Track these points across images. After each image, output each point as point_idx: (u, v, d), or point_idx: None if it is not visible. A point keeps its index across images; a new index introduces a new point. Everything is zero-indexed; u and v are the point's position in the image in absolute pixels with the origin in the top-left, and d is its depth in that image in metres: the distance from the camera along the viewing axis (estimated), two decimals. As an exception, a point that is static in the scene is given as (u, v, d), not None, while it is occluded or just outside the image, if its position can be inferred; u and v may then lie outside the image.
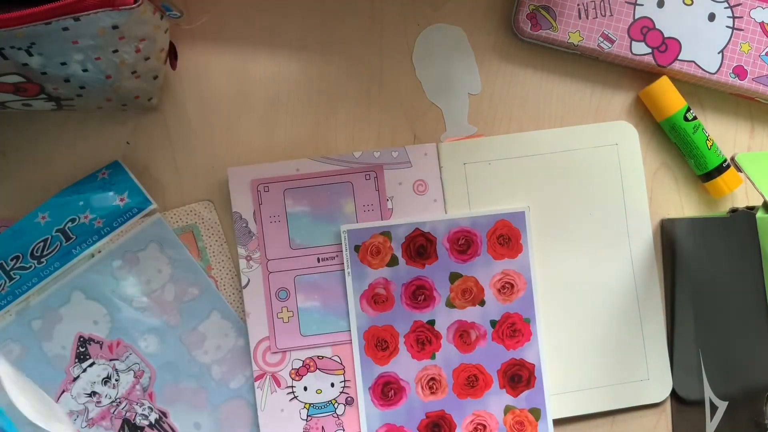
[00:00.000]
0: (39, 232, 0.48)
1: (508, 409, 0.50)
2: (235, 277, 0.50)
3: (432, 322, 0.50)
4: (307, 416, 0.50)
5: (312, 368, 0.50)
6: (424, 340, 0.50)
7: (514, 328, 0.50)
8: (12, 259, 0.48)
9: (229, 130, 0.51)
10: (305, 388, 0.50)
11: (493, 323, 0.50)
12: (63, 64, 0.40)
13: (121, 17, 0.38)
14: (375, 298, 0.50)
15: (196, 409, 0.50)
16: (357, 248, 0.49)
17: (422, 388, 0.50)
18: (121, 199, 0.49)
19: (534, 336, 0.50)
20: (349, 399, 0.50)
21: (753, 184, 0.42)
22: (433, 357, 0.50)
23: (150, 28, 0.41)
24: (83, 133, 0.51)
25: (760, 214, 0.40)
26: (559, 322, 0.51)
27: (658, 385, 0.51)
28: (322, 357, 0.50)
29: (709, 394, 0.47)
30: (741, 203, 0.53)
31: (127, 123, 0.51)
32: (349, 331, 0.50)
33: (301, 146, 0.51)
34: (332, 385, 0.50)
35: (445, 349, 0.50)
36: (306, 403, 0.50)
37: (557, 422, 0.51)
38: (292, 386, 0.50)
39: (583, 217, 0.51)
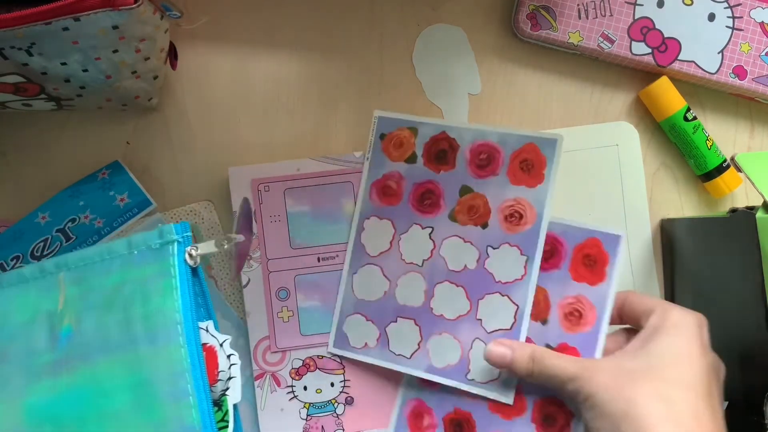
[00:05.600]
0: (39, 232, 0.48)
1: (475, 342, 0.46)
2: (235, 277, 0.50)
3: (431, 230, 0.48)
4: (307, 416, 0.50)
5: (312, 368, 0.50)
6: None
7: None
8: (12, 259, 0.48)
9: (229, 130, 0.51)
10: (305, 388, 0.50)
11: (489, 250, 0.47)
12: (63, 64, 0.40)
13: (121, 17, 0.38)
14: (385, 190, 0.49)
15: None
16: (383, 136, 0.49)
17: (400, 288, 0.48)
18: (121, 199, 0.49)
19: (528, 276, 0.45)
20: (348, 399, 0.50)
21: (753, 184, 0.42)
22: (421, 264, 0.48)
23: (150, 28, 0.41)
24: (83, 133, 0.51)
25: (760, 214, 0.40)
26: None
27: (658, 385, 0.51)
28: (322, 356, 0.50)
29: (708, 394, 0.47)
30: (741, 203, 0.53)
31: (127, 123, 0.51)
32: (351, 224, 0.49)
33: (301, 146, 0.51)
34: (332, 384, 0.50)
35: (435, 260, 0.48)
36: (306, 403, 0.50)
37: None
38: (292, 386, 0.50)
39: (583, 217, 0.51)
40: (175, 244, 0.37)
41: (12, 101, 0.44)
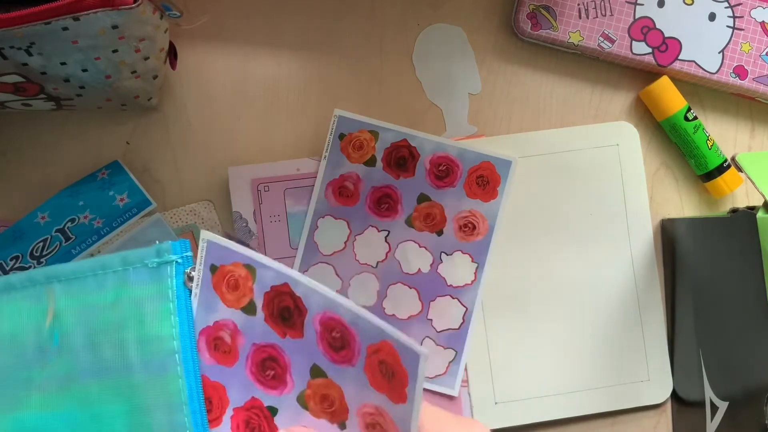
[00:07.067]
0: (39, 232, 0.48)
1: (425, 340, 0.50)
2: (235, 277, 0.50)
3: (387, 233, 0.50)
4: (307, 416, 0.50)
5: (312, 368, 0.50)
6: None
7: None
8: (12, 259, 0.48)
9: (229, 130, 0.51)
10: (305, 388, 0.50)
11: (442, 256, 0.50)
12: (63, 64, 0.40)
13: (120, 17, 0.38)
14: (341, 191, 0.50)
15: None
16: (342, 137, 0.49)
17: (352, 288, 0.50)
18: (121, 199, 0.49)
19: (477, 282, 0.50)
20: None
21: (753, 184, 0.42)
22: (375, 265, 0.50)
23: (150, 28, 0.41)
24: (83, 133, 0.51)
25: (760, 214, 0.40)
26: (559, 323, 0.51)
27: (659, 385, 0.51)
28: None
29: (709, 394, 0.47)
30: (741, 203, 0.53)
31: (127, 123, 0.51)
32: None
33: (301, 146, 0.51)
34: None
35: (390, 262, 0.50)
36: (306, 404, 0.50)
37: (558, 423, 0.51)
38: (292, 386, 0.50)
39: (583, 217, 0.51)
40: (174, 264, 0.34)
41: (12, 101, 0.44)
